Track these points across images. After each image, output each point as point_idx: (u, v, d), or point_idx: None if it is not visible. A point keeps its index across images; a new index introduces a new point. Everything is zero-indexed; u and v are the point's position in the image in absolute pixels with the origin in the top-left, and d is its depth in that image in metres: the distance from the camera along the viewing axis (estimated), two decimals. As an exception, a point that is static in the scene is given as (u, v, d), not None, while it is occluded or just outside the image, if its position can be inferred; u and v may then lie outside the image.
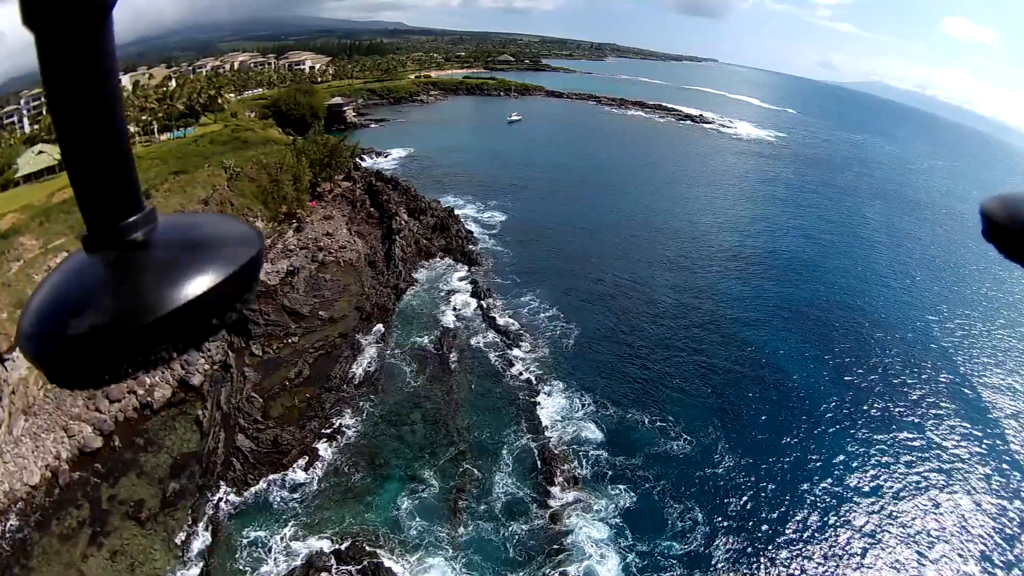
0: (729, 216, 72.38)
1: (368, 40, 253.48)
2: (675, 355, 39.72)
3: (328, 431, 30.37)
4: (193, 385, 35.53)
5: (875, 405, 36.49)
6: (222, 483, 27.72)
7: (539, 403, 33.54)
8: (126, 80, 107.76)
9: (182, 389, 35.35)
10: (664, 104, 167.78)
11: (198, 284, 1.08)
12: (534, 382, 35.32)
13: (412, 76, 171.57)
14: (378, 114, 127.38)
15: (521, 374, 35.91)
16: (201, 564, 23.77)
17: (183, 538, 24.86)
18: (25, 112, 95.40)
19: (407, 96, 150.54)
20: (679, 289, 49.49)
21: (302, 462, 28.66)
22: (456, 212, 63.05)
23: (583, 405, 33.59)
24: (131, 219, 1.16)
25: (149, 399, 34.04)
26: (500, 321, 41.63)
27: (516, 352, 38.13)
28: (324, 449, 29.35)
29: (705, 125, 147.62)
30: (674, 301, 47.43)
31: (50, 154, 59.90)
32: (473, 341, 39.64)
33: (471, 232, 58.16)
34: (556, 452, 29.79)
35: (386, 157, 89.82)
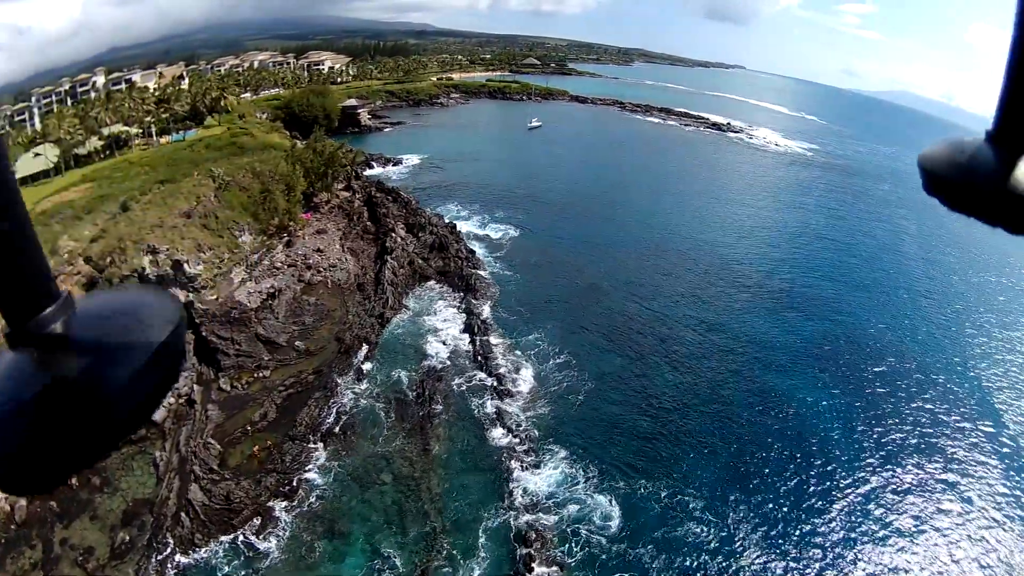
0: (758, 239, 71.36)
1: (392, 41, 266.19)
2: (696, 408, 38.45)
3: (286, 489, 30.00)
4: (155, 421, 35.34)
5: (922, 471, 34.64)
6: (170, 539, 28.10)
7: (530, 468, 32.36)
8: (137, 78, 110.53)
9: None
10: (690, 111, 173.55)
11: (123, 375, 1.14)
12: (527, 441, 34.16)
13: (433, 78, 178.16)
14: (395, 117, 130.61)
15: (513, 430, 34.85)
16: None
17: None
18: (36, 110, 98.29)
19: (427, 99, 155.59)
20: (701, 326, 48.49)
21: (256, 523, 28.18)
22: (460, 228, 63.38)
23: (585, 472, 32.17)
24: (47, 311, 1.19)
25: (104, 436, 33.78)
26: (494, 363, 40.87)
27: (509, 403, 37.33)
28: (280, 510, 29.37)
29: (732, 134, 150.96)
30: (695, 340, 46.48)
31: (46, 156, 61.91)
32: (461, 386, 39.31)
33: (473, 252, 57.89)
34: (544, 532, 28.49)
35: (396, 165, 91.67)
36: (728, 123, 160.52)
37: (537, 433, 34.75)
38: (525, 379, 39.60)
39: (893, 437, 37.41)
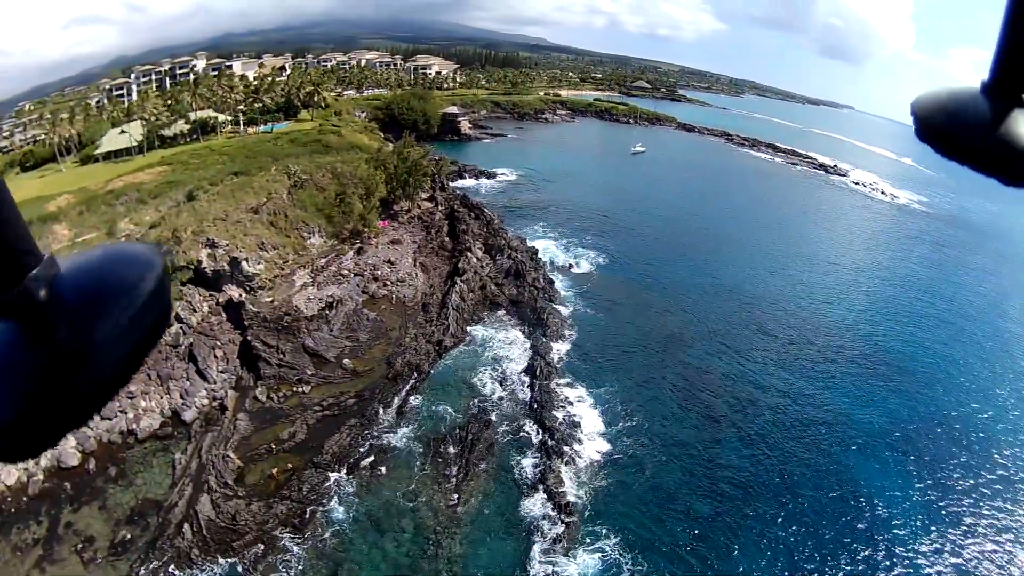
0: (857, 296, 67.94)
1: (505, 52, 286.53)
2: (764, 490, 35.80)
3: (297, 520, 29.93)
4: (184, 420, 37.10)
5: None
6: (169, 549, 28.97)
7: (567, 547, 30.46)
8: (237, 67, 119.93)
9: (171, 422, 37.10)
10: (797, 149, 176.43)
11: (111, 333, 1.23)
12: (569, 514, 32.29)
13: (541, 93, 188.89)
14: (497, 128, 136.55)
15: (555, 497, 33.16)
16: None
17: None
18: (135, 86, 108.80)
19: (532, 113, 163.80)
20: (782, 392, 45.95)
21: (257, 551, 28.32)
22: (542, 254, 63.14)
23: (627, 560, 30.09)
24: (32, 274, 1.26)
25: (135, 426, 35.61)
26: (550, 414, 39.59)
27: (557, 464, 35.77)
28: (286, 541, 29.69)
29: (838, 177, 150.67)
30: (773, 406, 44.07)
31: (131, 135, 68.06)
32: (508, 436, 38.45)
33: (551, 283, 57.60)
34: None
35: (490, 178, 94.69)
36: (835, 165, 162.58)
37: (582, 504, 33.18)
38: (581, 438, 38.11)
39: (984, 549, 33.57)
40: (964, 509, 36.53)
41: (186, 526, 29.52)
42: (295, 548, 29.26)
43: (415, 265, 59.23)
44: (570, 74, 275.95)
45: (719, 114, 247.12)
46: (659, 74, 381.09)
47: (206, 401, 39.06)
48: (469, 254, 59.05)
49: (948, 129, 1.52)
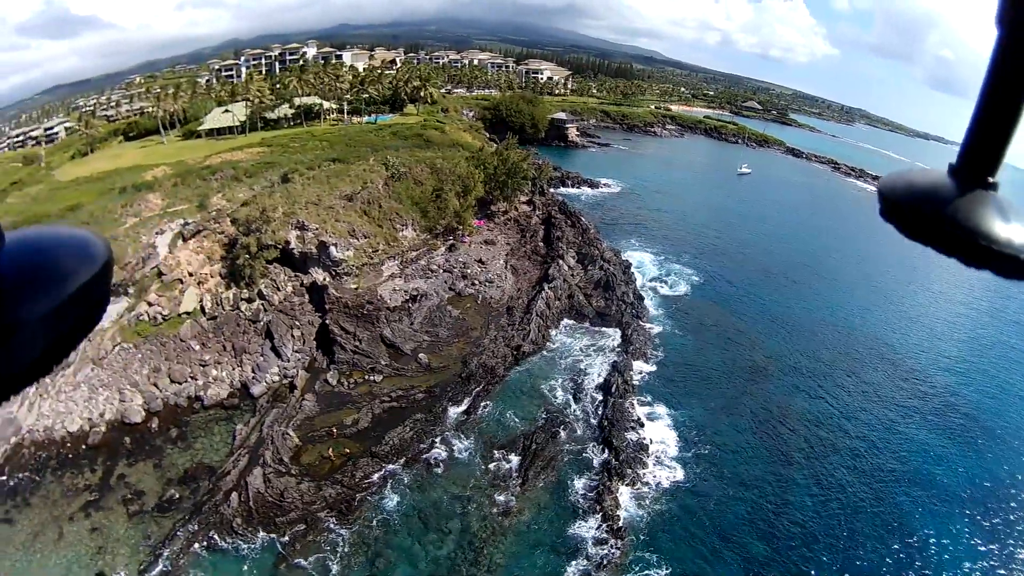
0: (958, 348, 60.58)
1: (618, 63, 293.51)
2: (828, 546, 32.42)
3: (344, 506, 29.74)
4: (252, 394, 38.11)
5: None
6: (212, 515, 29.65)
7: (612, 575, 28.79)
8: (347, 57, 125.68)
9: (239, 394, 38.22)
10: None
11: (36, 316, 1.19)
12: (622, 543, 30.19)
13: (652, 106, 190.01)
14: (605, 138, 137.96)
15: (611, 522, 31.17)
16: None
17: (147, 557, 27.49)
18: (244, 68, 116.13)
19: (641, 125, 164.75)
20: (863, 441, 42.05)
21: (299, 530, 28.56)
22: (634, 269, 61.71)
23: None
24: None
25: (203, 393, 36.87)
26: (620, 435, 37.55)
27: (618, 487, 33.65)
28: (329, 524, 29.57)
29: None
30: (851, 452, 40.50)
31: (235, 114, 72.03)
32: (572, 452, 36.83)
33: (641, 299, 55.78)
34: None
35: (592, 187, 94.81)
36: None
37: (635, 530, 31.39)
38: (647, 462, 36.09)
39: None
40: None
41: (234, 495, 30.20)
42: (337, 532, 29.27)
43: (506, 267, 58.83)
44: (682, 89, 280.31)
45: (828, 141, 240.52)
46: (770, 96, 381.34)
47: (276, 378, 40.09)
48: (561, 261, 58.03)
49: (911, 208, 1.51)
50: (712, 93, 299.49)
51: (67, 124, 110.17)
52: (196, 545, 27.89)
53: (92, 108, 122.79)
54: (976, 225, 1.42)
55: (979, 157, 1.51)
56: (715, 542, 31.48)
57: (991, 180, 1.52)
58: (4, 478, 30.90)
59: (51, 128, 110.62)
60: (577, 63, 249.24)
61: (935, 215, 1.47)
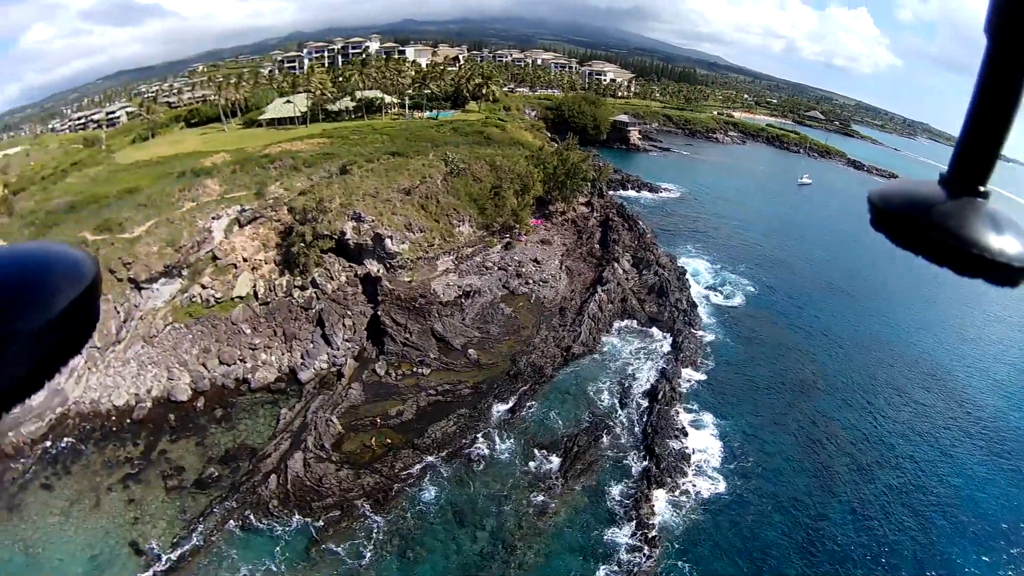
0: (1015, 375, 56.17)
1: (682, 67, 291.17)
2: (864, 571, 30.76)
3: (381, 495, 29.65)
4: (299, 380, 38.45)
5: None
6: (250, 495, 30.01)
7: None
8: (410, 52, 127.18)
9: (287, 379, 38.60)
10: None
11: (22, 334, 1.15)
12: (655, 554, 29.23)
13: (714, 112, 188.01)
14: (666, 142, 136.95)
15: (646, 531, 30.18)
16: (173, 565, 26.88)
17: (181, 531, 28.00)
18: (307, 60, 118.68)
19: (703, 131, 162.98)
20: (910, 465, 40.17)
21: (334, 516, 28.73)
22: (689, 276, 60.10)
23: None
24: None
25: (251, 376, 37.40)
26: (663, 443, 36.41)
27: (656, 495, 32.58)
28: (364, 512, 29.71)
29: None
30: (897, 474, 38.55)
31: (296, 105, 73.40)
32: (613, 458, 35.78)
33: (695, 306, 54.28)
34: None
35: (652, 191, 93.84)
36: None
37: (670, 540, 30.40)
38: (687, 471, 34.95)
39: None
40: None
41: (273, 477, 30.52)
42: (372, 520, 29.25)
43: (561, 268, 58.13)
44: (745, 96, 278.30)
45: (890, 154, 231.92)
46: (833, 106, 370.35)
47: (325, 365, 40.44)
48: (616, 264, 56.96)
49: (902, 217, 1.52)
50: (775, 101, 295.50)
51: (129, 109, 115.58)
52: (231, 523, 28.32)
53: (154, 94, 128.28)
54: (968, 234, 1.42)
55: (970, 166, 1.53)
56: (749, 558, 30.39)
57: (982, 189, 1.53)
58: (48, 444, 32.09)
59: (112, 112, 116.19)
60: (640, 66, 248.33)
61: (926, 224, 1.47)
